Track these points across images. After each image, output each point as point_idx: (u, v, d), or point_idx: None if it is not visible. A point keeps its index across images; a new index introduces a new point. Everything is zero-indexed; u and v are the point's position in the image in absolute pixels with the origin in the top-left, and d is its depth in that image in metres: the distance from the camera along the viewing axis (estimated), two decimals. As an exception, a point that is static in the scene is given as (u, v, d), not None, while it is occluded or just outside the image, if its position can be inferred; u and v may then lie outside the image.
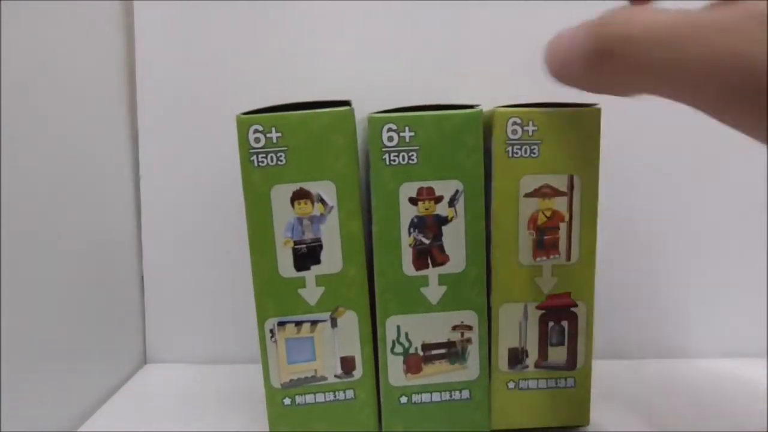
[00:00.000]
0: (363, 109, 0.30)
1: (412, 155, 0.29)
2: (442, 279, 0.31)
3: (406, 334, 0.31)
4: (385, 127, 0.29)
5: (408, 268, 0.30)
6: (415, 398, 0.32)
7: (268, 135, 0.29)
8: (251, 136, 0.29)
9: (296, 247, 0.30)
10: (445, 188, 0.30)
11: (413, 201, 0.30)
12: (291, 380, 0.31)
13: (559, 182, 0.30)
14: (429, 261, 0.30)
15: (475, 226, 0.30)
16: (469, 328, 0.31)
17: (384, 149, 0.29)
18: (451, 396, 0.32)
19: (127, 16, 0.42)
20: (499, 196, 0.30)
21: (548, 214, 0.30)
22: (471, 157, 0.29)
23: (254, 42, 0.42)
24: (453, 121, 0.29)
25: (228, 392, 0.39)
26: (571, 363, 0.32)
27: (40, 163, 0.33)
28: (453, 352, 0.31)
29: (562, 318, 0.31)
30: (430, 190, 0.30)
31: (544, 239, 0.31)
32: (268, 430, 0.32)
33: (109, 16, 0.41)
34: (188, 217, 0.43)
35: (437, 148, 0.29)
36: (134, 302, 0.44)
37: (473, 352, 0.31)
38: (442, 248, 0.30)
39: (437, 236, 0.30)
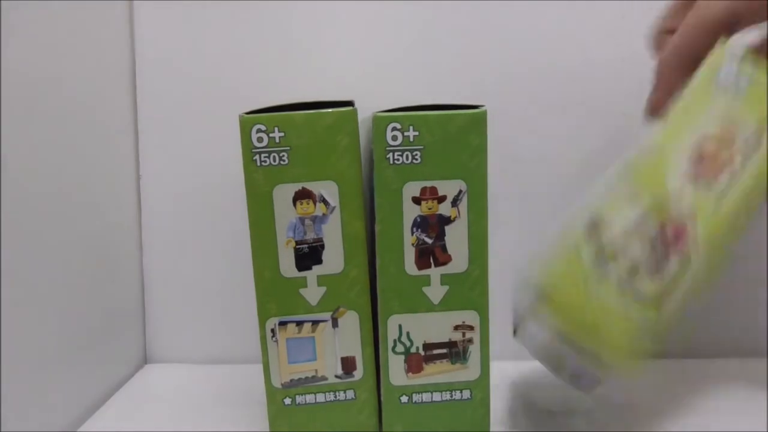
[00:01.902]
0: (366, 109, 0.30)
1: (416, 155, 0.29)
2: (444, 279, 0.30)
3: (408, 334, 0.31)
4: (390, 126, 0.29)
5: (410, 267, 0.30)
6: (416, 398, 0.32)
7: (270, 135, 0.29)
8: (254, 136, 0.29)
9: (298, 246, 0.30)
10: (448, 188, 0.30)
11: (416, 200, 0.30)
12: (291, 380, 0.31)
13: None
14: (431, 260, 0.30)
15: (478, 226, 0.30)
16: (471, 328, 0.31)
17: (388, 148, 0.29)
18: (451, 396, 0.32)
19: (127, 16, 0.42)
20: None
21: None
22: (475, 157, 0.29)
23: (256, 41, 0.42)
24: (457, 121, 0.29)
25: (228, 392, 0.39)
26: None
27: (40, 163, 0.33)
28: (454, 351, 0.31)
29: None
30: (434, 189, 0.30)
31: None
32: (268, 430, 0.32)
33: (109, 16, 0.41)
34: (189, 216, 0.43)
35: (441, 148, 0.29)
36: (134, 302, 0.44)
37: (474, 352, 0.31)
38: (444, 248, 0.30)
39: (440, 236, 0.30)
